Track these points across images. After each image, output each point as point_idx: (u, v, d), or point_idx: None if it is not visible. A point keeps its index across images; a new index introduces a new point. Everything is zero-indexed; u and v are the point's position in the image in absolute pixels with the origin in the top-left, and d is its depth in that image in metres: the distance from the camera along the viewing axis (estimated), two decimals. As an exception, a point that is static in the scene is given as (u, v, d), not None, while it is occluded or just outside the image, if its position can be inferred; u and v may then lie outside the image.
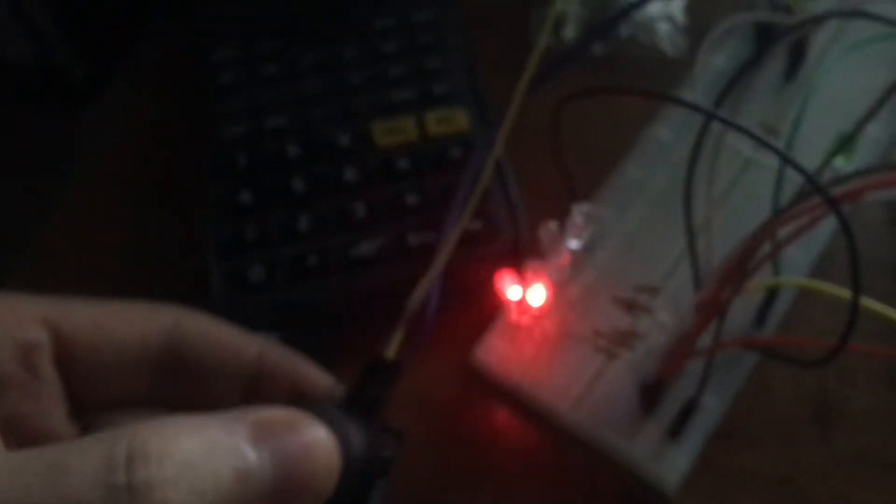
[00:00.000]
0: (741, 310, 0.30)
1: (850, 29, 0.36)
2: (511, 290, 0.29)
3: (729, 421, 0.30)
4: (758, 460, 0.29)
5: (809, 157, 0.30)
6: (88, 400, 0.24)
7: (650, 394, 0.28)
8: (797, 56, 0.34)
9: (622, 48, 0.38)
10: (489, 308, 0.31)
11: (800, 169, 0.21)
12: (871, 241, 0.34)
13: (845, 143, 0.27)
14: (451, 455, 0.30)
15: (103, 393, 0.24)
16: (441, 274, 0.27)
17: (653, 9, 0.38)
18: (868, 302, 0.23)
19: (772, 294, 0.30)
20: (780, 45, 0.31)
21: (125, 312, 0.24)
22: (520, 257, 0.30)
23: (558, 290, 0.30)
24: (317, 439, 0.20)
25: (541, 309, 0.29)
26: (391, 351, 0.24)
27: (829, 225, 0.32)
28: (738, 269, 0.24)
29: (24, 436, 0.22)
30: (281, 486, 0.18)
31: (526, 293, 0.29)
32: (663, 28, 0.38)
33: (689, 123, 0.30)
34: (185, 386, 0.24)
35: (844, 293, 0.23)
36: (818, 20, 0.26)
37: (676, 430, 0.28)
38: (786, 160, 0.21)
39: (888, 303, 0.32)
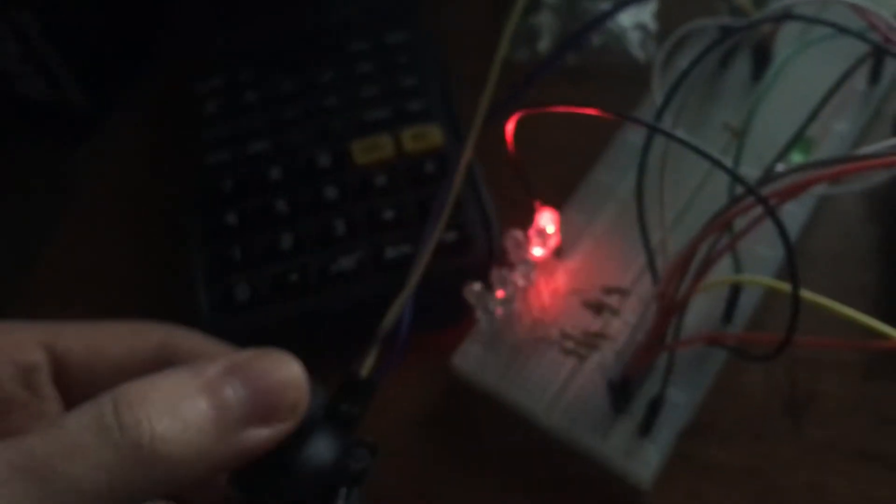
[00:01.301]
0: (709, 307, 0.31)
1: (815, 29, 0.37)
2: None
3: (701, 416, 0.30)
4: (730, 453, 0.30)
5: (771, 154, 0.31)
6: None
7: (619, 392, 0.29)
8: (762, 58, 0.35)
9: (595, 57, 0.39)
10: (467, 315, 0.32)
11: (728, 170, 0.22)
12: (845, 234, 0.34)
13: (794, 142, 0.28)
14: (434, 459, 0.31)
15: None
16: (414, 293, 0.28)
17: (624, 18, 0.39)
18: (810, 295, 0.23)
19: (735, 291, 0.30)
20: (718, 50, 0.32)
21: (117, 331, 0.26)
22: (493, 266, 0.31)
23: (528, 296, 0.31)
24: (282, 363, 0.21)
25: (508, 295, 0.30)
26: (364, 369, 0.26)
27: (796, 221, 0.33)
28: (683, 269, 0.24)
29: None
30: (256, 407, 0.20)
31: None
32: (635, 36, 0.39)
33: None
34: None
35: (784, 286, 0.23)
36: (753, 25, 0.27)
37: (646, 426, 0.29)
38: (716, 163, 0.22)
39: (860, 293, 0.33)
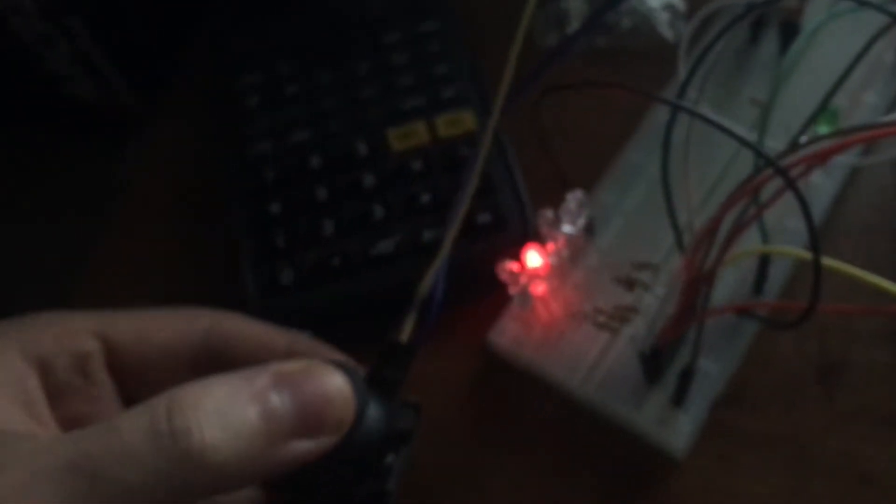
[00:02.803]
0: (740, 280, 0.32)
1: (842, 4, 0.37)
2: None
3: (734, 385, 0.31)
4: (762, 422, 0.31)
5: (797, 127, 0.32)
6: (138, 399, 0.27)
7: (651, 364, 0.30)
8: (790, 33, 0.35)
9: (625, 39, 0.40)
10: (503, 294, 0.33)
11: (745, 142, 0.23)
12: (877, 205, 0.35)
13: (818, 114, 0.28)
14: (472, 433, 0.32)
15: (151, 392, 0.27)
16: (448, 260, 0.29)
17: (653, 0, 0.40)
18: (833, 263, 0.24)
19: (764, 263, 0.31)
20: (744, 26, 0.33)
21: (166, 318, 0.27)
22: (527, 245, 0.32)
23: (561, 273, 0.32)
24: (330, 379, 0.22)
25: (540, 272, 0.31)
26: (404, 335, 0.27)
27: (826, 193, 0.34)
28: (709, 239, 0.25)
29: (84, 435, 0.25)
30: (303, 421, 0.21)
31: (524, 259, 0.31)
32: (664, 17, 0.39)
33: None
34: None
35: (805, 254, 0.24)
36: (774, 1, 0.28)
37: (679, 396, 0.30)
38: (734, 136, 0.23)
39: (888, 262, 0.33)
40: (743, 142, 0.23)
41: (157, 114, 0.44)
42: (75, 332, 0.25)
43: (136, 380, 0.26)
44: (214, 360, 0.27)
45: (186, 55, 0.46)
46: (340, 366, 0.23)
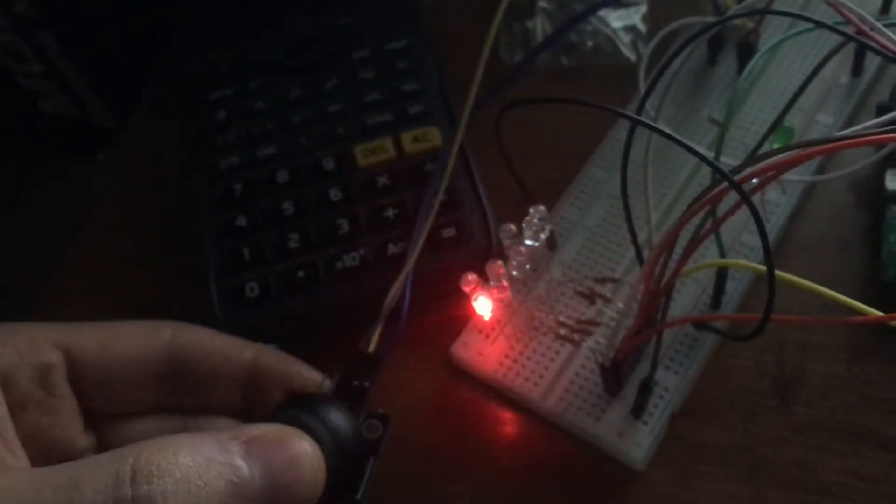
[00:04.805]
0: (698, 295, 0.32)
1: (800, 25, 0.38)
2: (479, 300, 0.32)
3: (693, 398, 0.32)
4: (721, 433, 0.31)
5: (753, 145, 0.33)
6: (100, 412, 0.27)
7: (611, 376, 0.30)
8: (747, 54, 0.36)
9: (588, 59, 0.40)
10: (467, 307, 0.33)
11: (700, 156, 0.24)
12: (834, 221, 0.35)
13: (772, 131, 0.29)
14: (436, 440, 0.32)
15: (113, 405, 0.27)
16: (413, 273, 0.30)
17: (615, 21, 0.40)
18: (785, 275, 0.25)
19: (722, 277, 0.31)
20: (701, 45, 0.33)
21: (128, 331, 0.27)
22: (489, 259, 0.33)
23: (523, 287, 0.32)
24: (302, 452, 0.22)
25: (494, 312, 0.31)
26: (371, 346, 0.28)
27: (782, 209, 0.34)
28: (666, 253, 0.26)
29: (45, 447, 0.25)
30: (270, 495, 0.21)
31: (473, 304, 0.31)
32: (626, 37, 0.40)
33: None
34: (187, 392, 0.27)
35: (761, 268, 0.24)
36: (727, 19, 0.28)
37: (638, 408, 0.30)
38: (689, 150, 0.24)
39: (848, 277, 0.34)
40: (699, 156, 0.24)
41: (130, 128, 0.44)
42: (37, 344, 0.25)
43: (99, 392, 0.26)
44: (178, 373, 0.27)
45: (158, 69, 0.46)
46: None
